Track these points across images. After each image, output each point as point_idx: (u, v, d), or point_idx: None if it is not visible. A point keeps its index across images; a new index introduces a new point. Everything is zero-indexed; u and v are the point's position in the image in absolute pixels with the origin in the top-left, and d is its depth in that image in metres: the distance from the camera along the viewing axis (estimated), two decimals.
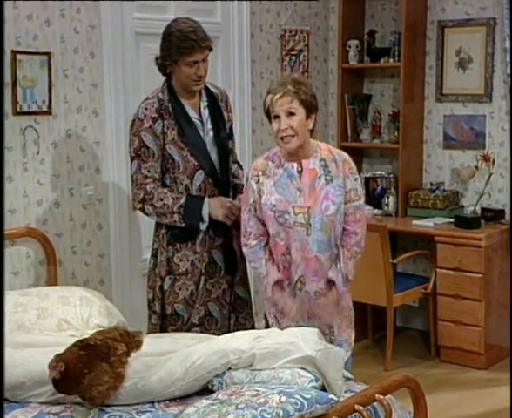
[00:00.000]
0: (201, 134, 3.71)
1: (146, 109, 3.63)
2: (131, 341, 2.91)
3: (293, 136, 3.20)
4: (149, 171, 3.63)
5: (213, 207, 3.62)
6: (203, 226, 3.64)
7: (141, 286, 4.76)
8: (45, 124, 4.18)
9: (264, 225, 3.34)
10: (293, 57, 5.66)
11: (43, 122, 4.16)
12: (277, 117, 3.22)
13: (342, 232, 3.35)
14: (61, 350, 2.85)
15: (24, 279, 4.13)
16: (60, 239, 4.29)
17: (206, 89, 3.78)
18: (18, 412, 2.84)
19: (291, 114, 3.19)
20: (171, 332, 3.73)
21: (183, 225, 3.62)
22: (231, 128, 3.89)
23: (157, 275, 3.74)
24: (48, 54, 4.13)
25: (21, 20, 4.02)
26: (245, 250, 3.42)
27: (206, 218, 3.61)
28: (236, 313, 3.83)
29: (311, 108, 3.25)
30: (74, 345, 2.86)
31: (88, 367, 2.74)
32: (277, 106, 3.20)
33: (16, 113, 4.01)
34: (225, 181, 3.78)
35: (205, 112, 3.75)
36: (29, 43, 4.06)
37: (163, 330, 3.74)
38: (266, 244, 3.37)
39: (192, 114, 3.71)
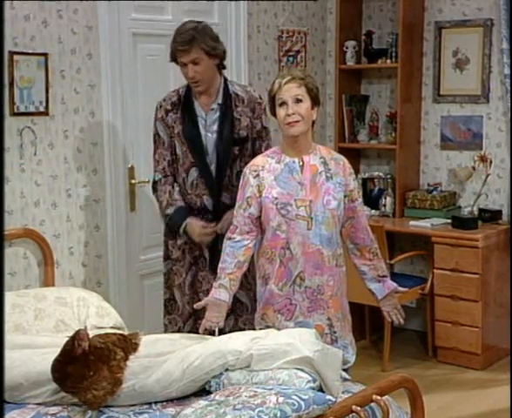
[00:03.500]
0: (202, 133, 3.82)
1: (164, 100, 3.91)
2: (128, 345, 2.90)
3: (299, 121, 3.22)
4: (159, 158, 3.92)
5: (191, 231, 3.82)
6: (181, 238, 3.89)
7: (138, 287, 4.77)
8: (42, 125, 4.17)
9: (253, 223, 3.31)
10: (291, 58, 5.66)
11: (40, 123, 4.16)
12: (283, 103, 3.23)
13: (355, 236, 3.39)
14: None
15: (22, 280, 4.12)
16: (57, 240, 4.29)
17: (227, 90, 3.84)
18: (16, 413, 2.84)
19: (298, 101, 3.21)
20: (168, 322, 3.98)
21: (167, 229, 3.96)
22: (259, 133, 3.88)
23: (165, 259, 4.04)
24: (45, 55, 4.12)
25: (18, 21, 4.01)
26: (226, 242, 3.35)
27: (182, 233, 3.85)
28: (235, 315, 3.88)
29: (316, 100, 3.28)
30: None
31: (93, 370, 2.72)
32: (284, 91, 3.21)
33: (13, 114, 4.01)
34: (219, 184, 3.85)
35: (214, 113, 3.84)
36: (26, 44, 4.06)
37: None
38: (247, 250, 3.32)
39: (199, 112, 3.84)
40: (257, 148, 3.88)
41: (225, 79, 3.92)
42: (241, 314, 3.91)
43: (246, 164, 3.81)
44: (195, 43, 3.71)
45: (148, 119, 4.70)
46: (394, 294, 3.49)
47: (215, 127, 3.83)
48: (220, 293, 3.27)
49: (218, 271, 3.33)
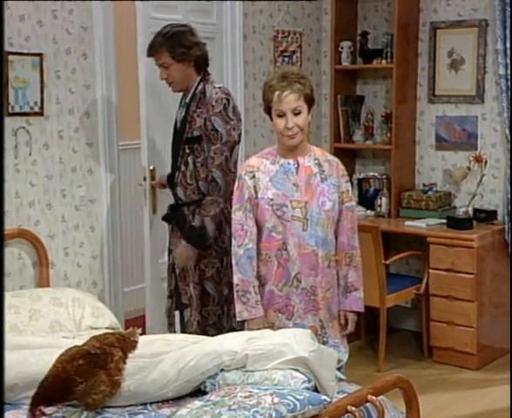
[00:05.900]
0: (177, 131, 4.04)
1: None
2: (127, 344, 2.89)
3: (297, 133, 3.22)
4: None
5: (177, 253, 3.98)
6: None
7: (134, 288, 4.76)
8: (37, 126, 4.17)
9: (256, 225, 3.31)
10: (286, 59, 5.66)
11: (35, 123, 4.15)
12: (282, 114, 3.21)
13: (336, 238, 3.36)
14: (54, 352, 2.84)
15: (16, 281, 4.12)
16: (52, 241, 4.28)
17: (195, 90, 3.92)
18: (11, 414, 2.83)
19: (297, 113, 3.20)
20: (207, 313, 4.01)
21: None
22: (208, 134, 3.83)
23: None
24: (40, 55, 4.12)
25: (13, 21, 4.01)
26: (239, 251, 3.28)
27: None
28: (201, 306, 3.97)
29: (312, 103, 3.28)
30: (72, 353, 2.80)
31: (84, 377, 2.70)
32: (284, 104, 3.18)
33: (8, 114, 4.00)
34: (173, 178, 4.00)
35: (181, 112, 3.98)
36: (21, 44, 4.05)
37: None
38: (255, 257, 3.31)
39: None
40: (206, 150, 3.84)
41: (203, 79, 3.93)
42: (207, 304, 3.96)
43: (202, 164, 3.87)
44: (159, 49, 3.86)
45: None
46: (350, 313, 3.42)
47: (179, 124, 3.99)
48: (261, 311, 3.29)
49: (241, 282, 3.27)
